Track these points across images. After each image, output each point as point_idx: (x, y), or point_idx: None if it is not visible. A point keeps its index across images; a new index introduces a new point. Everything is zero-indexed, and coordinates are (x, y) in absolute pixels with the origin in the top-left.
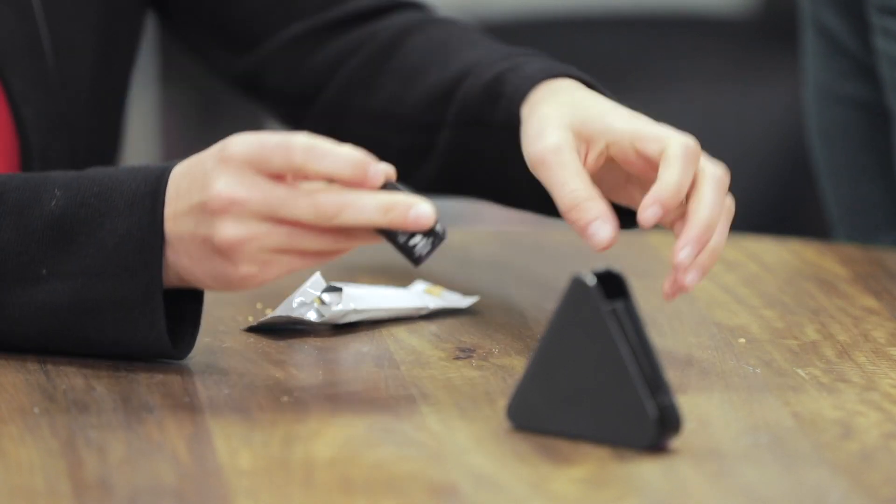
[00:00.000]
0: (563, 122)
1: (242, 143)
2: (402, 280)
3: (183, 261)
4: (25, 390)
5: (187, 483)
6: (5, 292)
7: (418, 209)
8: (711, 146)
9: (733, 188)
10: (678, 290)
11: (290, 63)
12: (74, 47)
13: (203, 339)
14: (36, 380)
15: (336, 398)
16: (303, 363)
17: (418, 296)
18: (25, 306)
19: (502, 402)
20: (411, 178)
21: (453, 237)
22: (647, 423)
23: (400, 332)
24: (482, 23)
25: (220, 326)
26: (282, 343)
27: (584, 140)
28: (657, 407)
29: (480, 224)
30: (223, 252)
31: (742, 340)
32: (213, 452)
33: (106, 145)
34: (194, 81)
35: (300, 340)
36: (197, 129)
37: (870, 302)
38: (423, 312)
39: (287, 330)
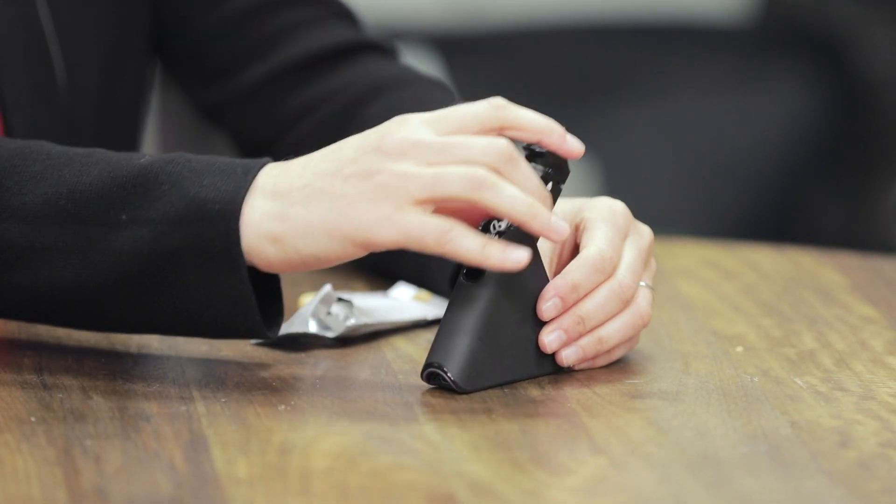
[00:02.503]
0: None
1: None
2: (390, 284)
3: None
4: (22, 399)
5: (184, 492)
6: (86, 236)
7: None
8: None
9: (732, 196)
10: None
11: (250, 109)
12: (83, 61)
13: (200, 347)
14: (33, 389)
15: (333, 407)
16: (300, 372)
17: (419, 307)
18: (106, 251)
19: (500, 411)
20: None
21: None
22: None
23: (397, 340)
24: (483, 32)
25: None
26: (279, 352)
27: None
28: None
29: None
30: None
31: (739, 349)
32: (210, 461)
33: None
34: None
35: (297, 349)
36: (194, 133)
37: (868, 310)
38: (422, 322)
39: (284, 338)
